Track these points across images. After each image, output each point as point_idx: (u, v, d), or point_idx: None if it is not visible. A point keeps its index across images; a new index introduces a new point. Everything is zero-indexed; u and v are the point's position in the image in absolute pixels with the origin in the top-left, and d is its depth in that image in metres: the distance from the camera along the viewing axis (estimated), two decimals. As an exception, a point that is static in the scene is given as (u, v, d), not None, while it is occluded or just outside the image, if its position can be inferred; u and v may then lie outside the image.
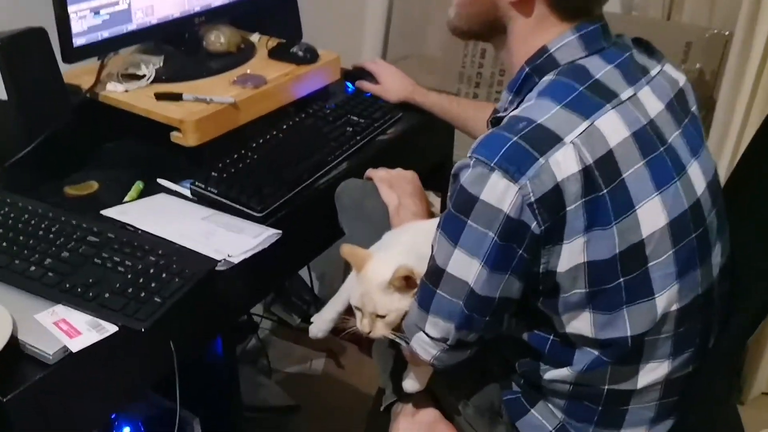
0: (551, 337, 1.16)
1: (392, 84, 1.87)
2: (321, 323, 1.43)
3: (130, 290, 1.16)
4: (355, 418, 2.21)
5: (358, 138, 1.68)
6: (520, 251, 1.03)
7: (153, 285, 1.17)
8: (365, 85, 1.90)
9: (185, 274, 1.20)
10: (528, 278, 1.07)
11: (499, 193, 1.00)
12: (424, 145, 1.88)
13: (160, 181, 1.52)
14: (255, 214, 1.41)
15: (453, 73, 2.51)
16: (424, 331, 1.17)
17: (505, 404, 1.27)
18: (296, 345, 2.48)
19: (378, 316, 1.22)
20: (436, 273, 1.11)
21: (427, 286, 1.14)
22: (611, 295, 1.05)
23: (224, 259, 1.27)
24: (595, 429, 1.19)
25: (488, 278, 1.06)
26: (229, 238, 1.32)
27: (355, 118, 1.73)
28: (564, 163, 0.99)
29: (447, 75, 2.51)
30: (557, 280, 1.06)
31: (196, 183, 1.47)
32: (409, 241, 1.30)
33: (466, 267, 1.07)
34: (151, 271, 1.20)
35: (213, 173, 1.48)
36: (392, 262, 1.21)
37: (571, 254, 1.03)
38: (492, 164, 1.00)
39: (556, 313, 1.10)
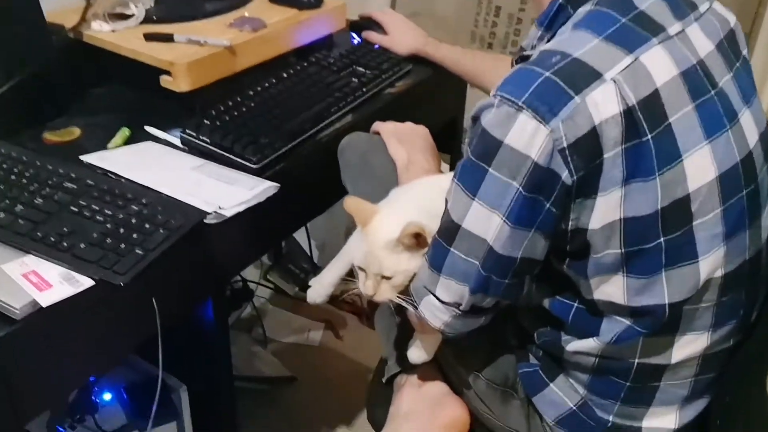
0: (575, 304, 1.04)
1: (402, 35, 1.73)
2: (320, 288, 1.31)
3: (108, 241, 1.04)
4: (353, 391, 2.11)
5: (364, 90, 1.55)
6: (548, 205, 0.91)
7: (134, 236, 1.05)
8: (373, 36, 1.77)
9: (171, 225, 1.08)
10: (554, 236, 0.95)
11: (527, 136, 0.88)
12: (434, 102, 1.75)
13: (147, 128, 1.39)
14: (250, 165, 1.29)
15: (465, 32, 2.37)
16: (434, 295, 1.05)
17: (522, 378, 1.15)
18: (293, 315, 2.37)
19: (383, 277, 1.11)
20: (450, 229, 0.99)
21: (439, 244, 1.02)
22: (649, 257, 0.94)
23: (215, 212, 1.15)
24: (620, 407, 1.08)
25: (510, 235, 0.94)
26: (222, 190, 1.20)
27: (361, 69, 1.60)
28: (603, 103, 0.86)
29: (458, 34, 2.37)
30: (588, 239, 0.94)
31: (187, 131, 1.34)
32: (419, 196, 1.18)
33: (485, 222, 0.95)
34: (133, 221, 1.08)
35: (205, 121, 1.36)
36: (401, 217, 1.09)
37: (606, 209, 0.91)
38: (520, 103, 0.87)
39: (584, 276, 0.98)
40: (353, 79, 1.56)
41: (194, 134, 1.33)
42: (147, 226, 1.07)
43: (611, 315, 1.01)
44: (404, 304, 1.11)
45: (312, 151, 1.39)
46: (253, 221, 1.22)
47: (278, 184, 1.25)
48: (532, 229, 0.94)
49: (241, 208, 1.17)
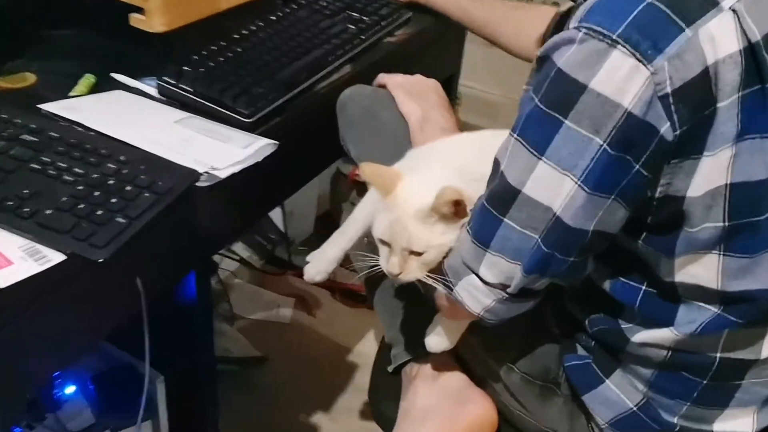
0: (643, 287, 0.89)
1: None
2: (321, 263, 1.13)
3: (81, 206, 0.84)
4: (329, 372, 1.96)
5: (363, 38, 1.37)
6: (637, 166, 0.75)
7: (114, 201, 0.86)
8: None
9: (158, 187, 0.88)
10: (637, 206, 0.80)
11: (621, 79, 0.72)
12: (432, 57, 1.58)
13: (115, 76, 1.18)
14: (242, 119, 1.10)
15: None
16: (477, 274, 0.89)
17: (569, 372, 1.00)
18: (261, 289, 2.18)
19: (412, 253, 0.93)
20: (505, 195, 0.83)
21: (488, 213, 0.85)
22: (757, 233, 0.79)
23: (207, 173, 0.95)
24: (690, 408, 0.94)
25: (584, 203, 0.78)
26: (213, 147, 1.01)
27: (357, 15, 1.41)
28: (719, 38, 0.71)
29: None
30: (684, 209, 0.78)
31: (165, 79, 1.14)
32: (452, 157, 1.01)
33: (553, 186, 0.79)
34: (111, 182, 0.88)
35: (186, 68, 1.16)
36: (433, 183, 0.92)
37: (712, 172, 0.76)
38: (614, 36, 0.71)
39: (668, 254, 0.83)
40: (349, 25, 1.37)
41: (174, 83, 1.13)
42: (128, 188, 0.88)
43: (692, 301, 0.87)
44: (436, 284, 0.94)
45: (310, 105, 1.21)
46: (246, 184, 1.03)
47: (276, 142, 1.06)
48: (612, 196, 0.78)
49: (236, 169, 0.98)
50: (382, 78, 1.26)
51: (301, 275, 2.20)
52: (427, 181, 0.94)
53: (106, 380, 1.13)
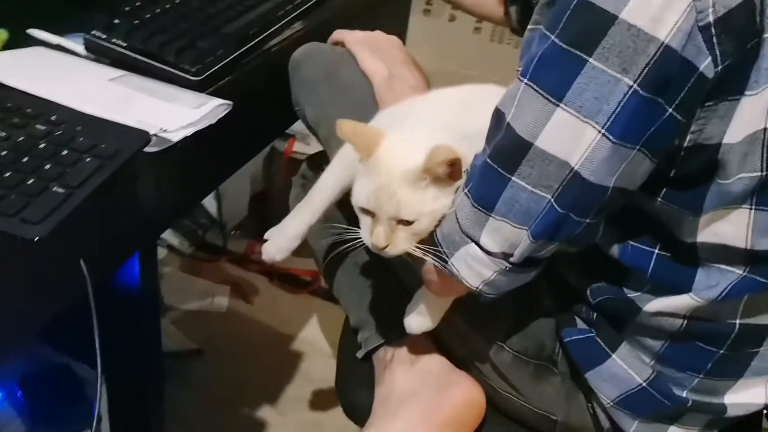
0: (655, 250, 0.81)
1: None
2: (282, 240, 1.01)
3: (8, 174, 0.69)
4: (270, 361, 1.82)
5: (312, -7, 1.23)
6: (670, 110, 0.66)
7: (48, 167, 0.71)
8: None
9: (102, 150, 0.74)
10: (663, 157, 0.71)
11: (658, 6, 0.62)
12: (382, 16, 1.46)
13: (33, 32, 1.01)
14: (189, 78, 0.95)
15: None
16: (477, 243, 0.78)
17: (570, 348, 0.91)
18: (194, 277, 2.02)
19: (400, 222, 0.82)
20: (512, 150, 0.73)
21: (492, 172, 0.75)
22: None
23: (157, 135, 0.81)
24: (701, 380, 0.86)
25: (608, 155, 0.69)
26: (159, 108, 0.87)
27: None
28: None
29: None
30: (720, 158, 0.70)
31: (94, 33, 0.98)
32: (436, 115, 0.90)
33: (572, 137, 0.69)
34: (42, 145, 0.73)
35: (116, 21, 1.00)
36: (422, 142, 0.81)
37: (752, 115, 0.68)
38: None
39: (693, 211, 0.74)
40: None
41: (104, 37, 0.98)
42: (65, 153, 0.73)
43: (713, 264, 0.78)
44: (426, 257, 0.83)
45: (261, 64, 1.07)
46: (198, 150, 0.89)
47: (230, 102, 0.92)
48: (638, 146, 0.69)
49: (189, 131, 0.84)
50: (340, 34, 1.14)
51: (236, 260, 2.10)
52: (414, 140, 0.83)
53: (36, 383, 0.97)
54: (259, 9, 1.12)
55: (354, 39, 1.11)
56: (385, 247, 0.83)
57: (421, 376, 1.01)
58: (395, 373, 1.03)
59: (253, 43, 1.06)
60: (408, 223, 0.82)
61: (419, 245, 0.83)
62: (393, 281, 1.07)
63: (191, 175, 0.96)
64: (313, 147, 1.74)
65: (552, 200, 0.73)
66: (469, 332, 0.98)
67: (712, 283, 0.78)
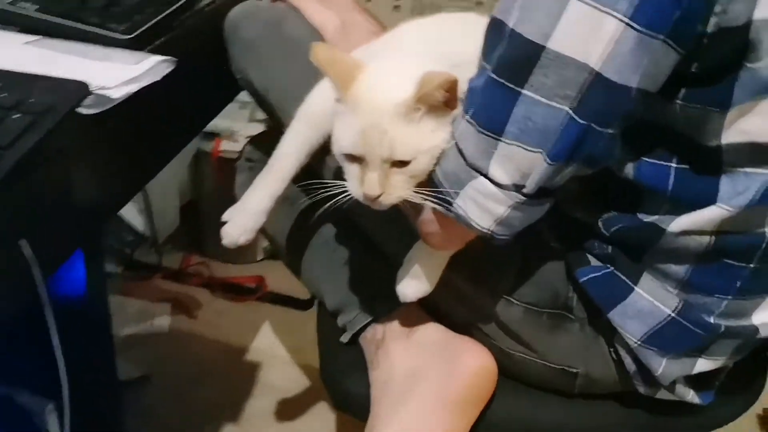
0: (673, 164, 0.73)
1: None
2: (247, 218, 0.88)
3: None
4: (225, 376, 1.67)
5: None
6: None
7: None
8: None
9: (32, 105, 0.60)
10: (687, 48, 0.63)
11: None
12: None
13: None
14: (117, 36, 0.82)
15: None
16: (485, 175, 0.68)
17: (588, 287, 0.81)
18: (127, 299, 1.84)
19: (394, 164, 0.71)
20: (521, 58, 0.64)
21: (499, 88, 0.65)
22: None
23: (95, 93, 0.67)
24: (730, 303, 0.79)
25: (633, 47, 0.61)
26: (91, 66, 0.73)
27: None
28: None
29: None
30: (751, 38, 0.63)
31: (-5, -1, 0.83)
32: (419, 43, 0.79)
33: (591, 32, 0.61)
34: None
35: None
36: (409, 70, 0.70)
37: None
38: None
39: (720, 107, 0.67)
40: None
41: (9, 1, 0.83)
42: (-14, 111, 0.58)
43: (738, 169, 0.71)
44: (427, 202, 0.72)
45: (199, 24, 0.94)
46: (142, 114, 0.76)
47: (174, 59, 0.79)
48: (663, 34, 0.60)
49: (131, 89, 0.71)
50: (278, -13, 1.02)
51: (172, 276, 1.93)
52: (399, 68, 0.72)
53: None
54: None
55: (293, -10, 1.00)
56: (380, 196, 0.71)
57: (422, 350, 0.91)
58: (391, 351, 0.92)
59: (183, 1, 0.93)
60: (403, 164, 0.71)
61: (419, 189, 0.72)
62: (371, 252, 0.97)
63: (135, 148, 0.82)
64: (242, 143, 1.60)
65: (571, 112, 0.64)
66: (470, 290, 0.88)
67: (740, 189, 0.71)
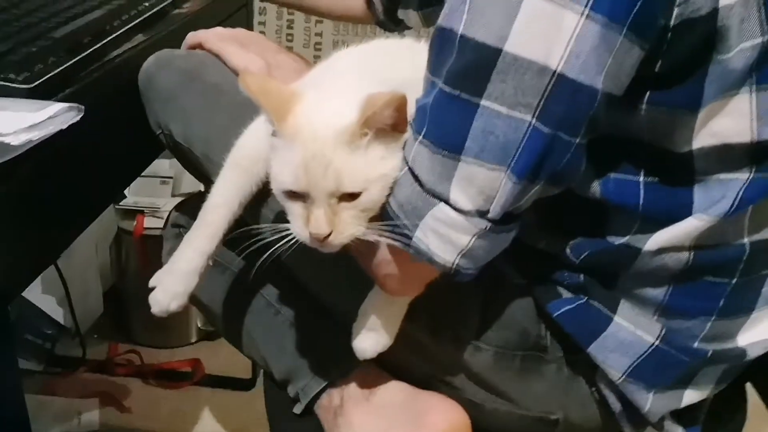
0: (641, 178, 0.68)
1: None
2: (177, 282, 0.80)
3: None
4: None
5: (147, 4, 1.04)
6: None
7: None
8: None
9: None
10: (651, 42, 0.58)
11: None
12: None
13: None
14: (16, 86, 0.73)
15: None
16: (446, 201, 0.61)
17: (563, 322, 0.74)
18: (50, 398, 1.68)
19: (343, 198, 0.63)
20: (475, 65, 0.59)
21: (453, 102, 0.60)
22: None
23: (-11, 142, 0.58)
24: (714, 324, 0.73)
25: (596, 43, 0.57)
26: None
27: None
28: None
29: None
30: (719, 25, 0.59)
31: None
32: (357, 68, 0.73)
33: (550, 29, 0.57)
34: None
35: None
36: (350, 95, 0.64)
37: None
38: None
39: (690, 107, 0.63)
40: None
41: None
42: None
43: (711, 176, 0.67)
44: (384, 239, 0.65)
45: (108, 75, 0.86)
46: (48, 176, 0.66)
47: (81, 106, 0.71)
48: (624, 26, 0.56)
49: (33, 136, 0.62)
50: (196, 36, 0.95)
51: (97, 367, 1.78)
52: (339, 94, 0.66)
53: None
54: (89, 16, 0.91)
55: (216, 36, 0.93)
56: (329, 236, 0.63)
57: (386, 411, 0.81)
58: (351, 417, 0.82)
59: (89, 51, 0.85)
60: (353, 197, 0.63)
61: (371, 225, 0.65)
62: (318, 311, 0.88)
63: (42, 214, 0.72)
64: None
65: (534, 121, 0.58)
66: (431, 341, 0.80)
67: (716, 197, 0.67)
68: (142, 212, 1.80)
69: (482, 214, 0.62)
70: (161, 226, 1.70)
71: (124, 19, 0.97)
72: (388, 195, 0.65)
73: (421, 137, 0.62)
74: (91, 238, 1.75)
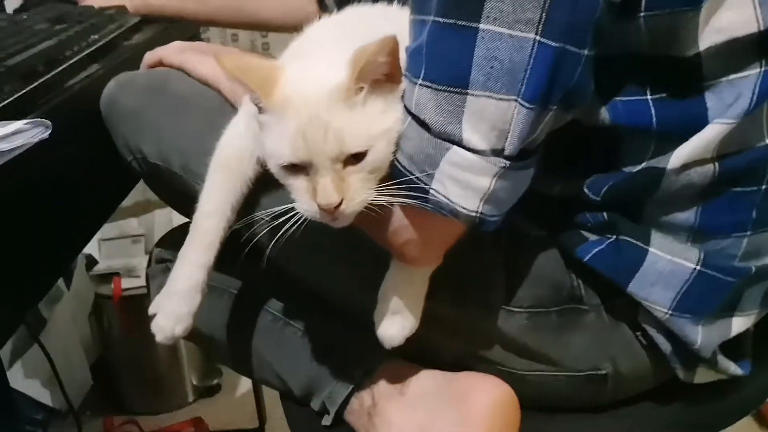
0: (648, 96, 0.64)
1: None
2: (179, 304, 0.74)
3: None
4: None
5: (96, 36, 1.00)
6: None
7: None
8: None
9: None
10: None
11: None
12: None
13: None
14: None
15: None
16: (458, 143, 0.57)
17: (595, 265, 0.69)
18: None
19: (347, 163, 0.59)
20: None
21: (448, 32, 0.57)
22: None
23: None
24: (751, 238, 0.69)
25: None
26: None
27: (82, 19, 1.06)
28: None
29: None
30: None
31: None
32: (337, 36, 0.69)
33: None
34: None
35: None
36: (334, 58, 0.60)
37: None
38: None
39: (689, 6, 0.59)
40: (78, 24, 1.01)
41: None
42: None
43: (721, 78, 0.63)
44: (398, 200, 0.60)
45: (66, 105, 0.80)
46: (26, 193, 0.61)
47: (49, 122, 0.65)
48: None
49: (3, 147, 0.56)
50: (155, 53, 0.91)
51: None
52: (325, 57, 0.61)
53: None
54: (39, 46, 0.86)
55: (175, 50, 0.89)
56: (340, 204, 0.58)
57: (423, 402, 0.76)
58: (388, 413, 0.76)
59: (44, 79, 0.79)
60: (358, 159, 0.59)
61: (382, 186, 0.60)
62: (328, 313, 0.82)
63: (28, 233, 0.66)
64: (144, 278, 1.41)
65: (538, 38, 0.54)
66: (460, 314, 0.74)
67: (729, 100, 0.63)
68: (117, 274, 1.73)
69: (498, 152, 0.58)
70: (140, 285, 1.65)
71: (76, 50, 0.92)
72: (395, 151, 0.60)
73: (420, 80, 0.58)
74: (68, 310, 1.66)
